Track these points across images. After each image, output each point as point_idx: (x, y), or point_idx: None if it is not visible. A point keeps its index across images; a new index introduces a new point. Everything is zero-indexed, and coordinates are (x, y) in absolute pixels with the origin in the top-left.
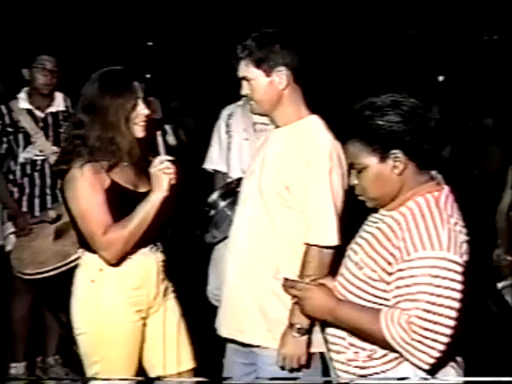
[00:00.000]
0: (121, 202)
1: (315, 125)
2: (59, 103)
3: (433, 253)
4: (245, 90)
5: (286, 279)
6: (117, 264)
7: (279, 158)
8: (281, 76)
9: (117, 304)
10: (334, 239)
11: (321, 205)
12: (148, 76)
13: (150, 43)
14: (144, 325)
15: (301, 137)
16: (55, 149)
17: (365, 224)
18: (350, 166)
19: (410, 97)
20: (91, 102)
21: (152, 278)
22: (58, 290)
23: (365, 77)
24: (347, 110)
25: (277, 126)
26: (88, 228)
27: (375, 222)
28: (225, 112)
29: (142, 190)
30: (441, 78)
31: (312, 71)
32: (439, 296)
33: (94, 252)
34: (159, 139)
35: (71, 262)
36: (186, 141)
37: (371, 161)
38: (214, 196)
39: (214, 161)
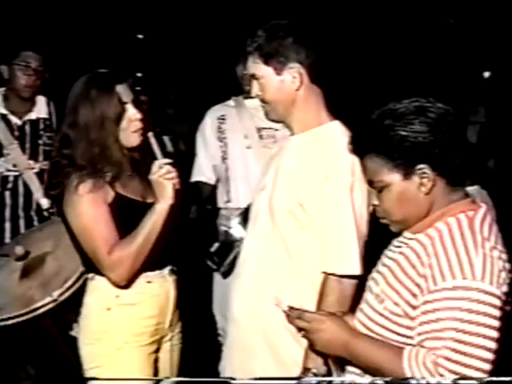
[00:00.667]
0: (128, 215)
1: (335, 132)
2: (41, 109)
3: (464, 282)
4: (255, 90)
5: (291, 308)
6: (134, 288)
7: (292, 170)
8: (293, 74)
9: (135, 334)
10: (356, 268)
11: (341, 227)
12: (139, 75)
13: (141, 36)
14: (156, 358)
15: (318, 146)
16: (31, 163)
17: (388, 249)
18: (370, 185)
19: (449, 98)
20: (74, 116)
21: (170, 303)
22: (21, 340)
23: (392, 75)
24: (364, 118)
25: (292, 134)
26: (92, 248)
27: (399, 247)
28: (213, 114)
29: (151, 200)
30: (487, 75)
31: (333, 69)
32: (471, 334)
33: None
34: (152, 141)
35: (36, 309)
36: (185, 150)
37: (394, 178)
38: (232, 223)
39: (199, 172)
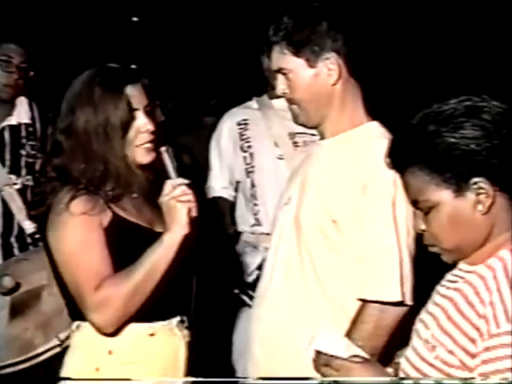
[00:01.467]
0: (128, 244)
1: (374, 135)
2: (22, 113)
3: None
4: (280, 86)
5: (319, 353)
6: (132, 342)
7: (323, 181)
8: (329, 66)
9: None
10: (396, 293)
11: (381, 246)
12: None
13: (136, 19)
14: None
15: (354, 152)
16: (12, 178)
17: (440, 285)
18: (414, 205)
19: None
20: (71, 120)
21: (179, 366)
22: None
23: (442, 69)
24: (404, 124)
25: (322, 137)
26: (76, 280)
27: (453, 282)
28: (231, 118)
29: (160, 229)
30: None
31: (372, 59)
32: None
33: None
34: (165, 156)
35: (38, 355)
36: (190, 163)
37: (443, 196)
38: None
39: (217, 186)
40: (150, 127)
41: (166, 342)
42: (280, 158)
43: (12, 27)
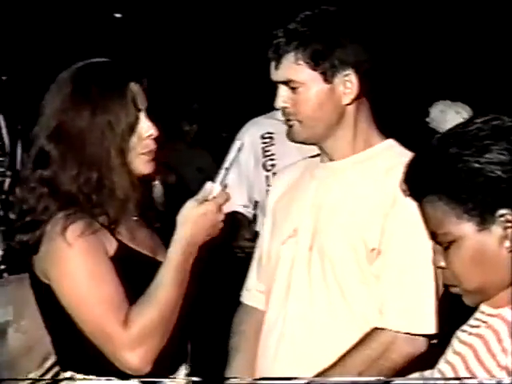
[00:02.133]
0: (137, 277)
1: (398, 153)
2: None
3: None
4: (283, 99)
5: None
6: None
7: (349, 204)
8: (347, 83)
9: None
10: (431, 325)
11: (414, 267)
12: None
13: (118, 15)
14: None
15: (380, 172)
16: None
17: (460, 330)
18: (433, 238)
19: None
20: (60, 122)
21: None
22: None
23: (458, 86)
24: (422, 146)
25: (329, 159)
26: (96, 321)
27: (476, 327)
28: (254, 130)
29: (162, 259)
30: None
31: (385, 76)
32: None
33: (99, 372)
34: (234, 149)
35: None
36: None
37: (465, 229)
38: None
39: (234, 203)
40: (154, 132)
41: None
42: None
43: None
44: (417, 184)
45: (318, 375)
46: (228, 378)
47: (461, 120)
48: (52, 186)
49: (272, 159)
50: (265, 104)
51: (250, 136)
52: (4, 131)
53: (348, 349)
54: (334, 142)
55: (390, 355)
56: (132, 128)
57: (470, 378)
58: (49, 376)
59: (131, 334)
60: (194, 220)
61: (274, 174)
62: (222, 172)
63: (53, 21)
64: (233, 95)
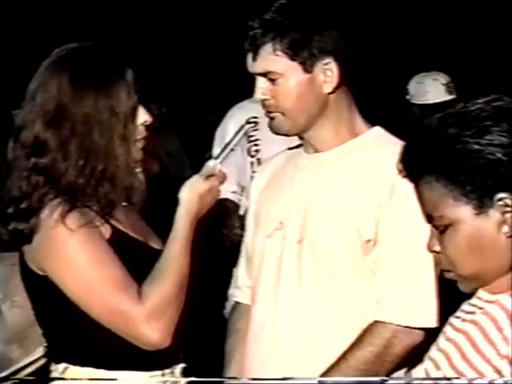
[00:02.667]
0: (133, 261)
1: (387, 140)
2: None
3: None
4: (263, 91)
5: None
6: None
7: (341, 196)
8: (327, 72)
9: None
10: (433, 318)
11: (415, 260)
12: None
13: None
14: None
15: (370, 161)
16: None
17: (453, 316)
18: (429, 221)
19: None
20: (59, 107)
21: None
22: None
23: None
24: (420, 127)
25: (315, 150)
26: (109, 300)
27: (471, 313)
28: (239, 114)
29: (155, 245)
30: None
31: (366, 63)
32: None
33: (94, 363)
34: (242, 130)
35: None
36: (179, 176)
37: (462, 213)
38: None
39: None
40: (149, 118)
41: None
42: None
43: None
44: (414, 164)
45: (322, 375)
46: (228, 378)
47: (441, 87)
48: (49, 174)
49: (256, 144)
50: (238, 87)
51: (236, 121)
52: None
53: (349, 346)
54: (317, 132)
55: (393, 350)
56: (133, 113)
57: (457, 377)
58: None
59: (147, 309)
60: (201, 194)
61: (258, 159)
62: (226, 151)
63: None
64: (201, 78)
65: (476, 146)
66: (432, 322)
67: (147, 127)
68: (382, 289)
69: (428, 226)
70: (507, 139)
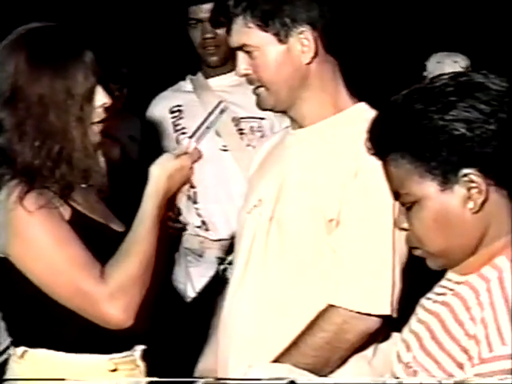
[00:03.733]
0: (93, 242)
1: (363, 118)
2: None
3: None
4: (242, 66)
5: None
6: (89, 378)
7: (311, 175)
8: (303, 41)
9: None
10: (386, 306)
11: (374, 244)
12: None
13: None
14: None
15: (344, 138)
16: None
17: (425, 298)
18: (396, 198)
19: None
20: (15, 87)
21: None
22: None
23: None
24: (386, 102)
25: (299, 126)
26: (70, 279)
27: (441, 294)
28: (162, 104)
29: (116, 227)
30: None
31: (350, 32)
32: None
33: (54, 346)
34: (217, 110)
35: None
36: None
37: (427, 189)
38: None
39: None
40: (108, 101)
41: (129, 376)
42: (224, 150)
43: None
44: (380, 141)
45: (274, 361)
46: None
47: (458, 69)
48: (5, 154)
49: (183, 133)
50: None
51: (158, 111)
52: None
53: (301, 332)
54: (300, 106)
55: (345, 336)
56: (90, 95)
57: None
58: None
59: (110, 288)
60: (170, 174)
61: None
62: (201, 130)
63: None
64: (165, 58)
65: (440, 122)
66: (385, 309)
67: (107, 109)
68: (338, 271)
69: (391, 209)
70: (471, 114)
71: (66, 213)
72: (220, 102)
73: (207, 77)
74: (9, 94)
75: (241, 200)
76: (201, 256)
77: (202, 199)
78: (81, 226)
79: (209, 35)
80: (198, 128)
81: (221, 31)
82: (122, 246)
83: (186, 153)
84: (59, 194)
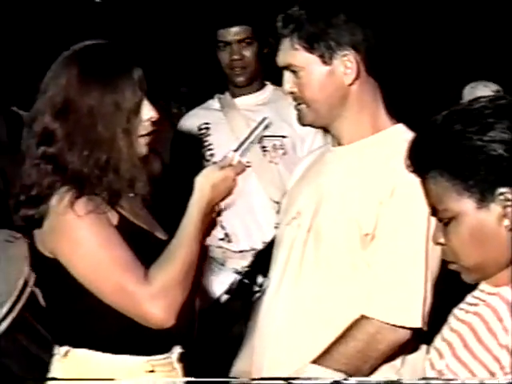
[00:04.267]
0: (136, 246)
1: (401, 139)
2: None
3: None
4: (288, 85)
5: None
6: (128, 379)
7: (349, 191)
8: (346, 63)
9: None
10: (418, 319)
11: (407, 259)
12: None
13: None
14: None
15: (382, 158)
16: None
17: (458, 308)
18: (433, 214)
19: None
20: (67, 100)
21: None
22: None
23: (463, 58)
24: (427, 123)
25: (339, 144)
26: (116, 281)
27: (473, 305)
28: (191, 122)
29: (160, 235)
30: None
31: (392, 56)
32: None
33: (96, 346)
34: (261, 125)
35: None
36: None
37: (465, 206)
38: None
39: None
40: (155, 114)
41: (166, 377)
42: (247, 166)
43: None
44: (420, 159)
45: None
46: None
47: (490, 93)
48: (57, 163)
49: (210, 149)
50: None
51: (187, 128)
52: None
53: (335, 339)
54: (340, 125)
55: (377, 346)
56: (137, 109)
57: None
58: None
59: (153, 289)
60: (214, 183)
61: (214, 163)
62: (246, 144)
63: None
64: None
65: (479, 142)
66: (417, 322)
67: (154, 123)
68: (373, 284)
69: (425, 226)
70: (509, 135)
71: (114, 218)
72: (264, 119)
73: (234, 96)
74: (60, 106)
75: (261, 214)
76: (223, 265)
77: (226, 213)
78: (127, 232)
79: (236, 57)
80: (243, 142)
81: (247, 53)
82: (165, 250)
83: (230, 165)
84: (107, 200)
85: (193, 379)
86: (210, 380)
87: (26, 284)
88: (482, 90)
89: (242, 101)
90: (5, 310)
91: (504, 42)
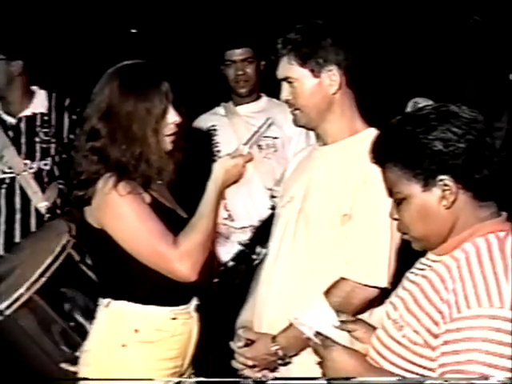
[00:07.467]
0: (164, 220)
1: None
2: (39, 104)
3: (491, 311)
4: (285, 93)
5: (318, 333)
6: (155, 324)
7: (330, 181)
8: (331, 77)
9: (149, 377)
10: (383, 280)
11: (374, 231)
12: None
13: (134, 30)
14: None
15: (356, 155)
16: (28, 163)
17: (410, 272)
18: (389, 196)
19: (468, 104)
20: (110, 106)
21: (191, 345)
22: None
23: (416, 76)
24: (385, 124)
25: (324, 143)
26: (151, 245)
27: (422, 269)
28: (202, 124)
29: (181, 213)
30: None
31: (366, 72)
32: (497, 368)
33: (131, 299)
34: (264, 125)
35: None
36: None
37: (413, 189)
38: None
39: None
40: (178, 119)
41: (184, 324)
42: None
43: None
44: (379, 153)
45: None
46: (229, 379)
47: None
48: (101, 154)
49: (216, 146)
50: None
51: (199, 130)
52: (53, 107)
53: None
54: (325, 126)
55: (351, 301)
56: (164, 114)
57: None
58: (16, 306)
59: (180, 251)
60: (227, 169)
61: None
62: (253, 139)
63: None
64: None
65: (424, 140)
66: (383, 282)
67: (177, 125)
68: (349, 252)
69: (389, 203)
70: (447, 135)
71: (147, 198)
72: (268, 119)
73: (236, 104)
74: (104, 111)
75: (258, 198)
76: (228, 238)
77: (229, 197)
78: (157, 209)
79: (240, 72)
80: (252, 137)
81: (249, 70)
82: (190, 222)
83: (240, 155)
84: (141, 184)
85: (203, 379)
86: (219, 380)
87: (64, 247)
88: (422, 103)
89: (243, 108)
90: (46, 264)
91: (438, 66)
